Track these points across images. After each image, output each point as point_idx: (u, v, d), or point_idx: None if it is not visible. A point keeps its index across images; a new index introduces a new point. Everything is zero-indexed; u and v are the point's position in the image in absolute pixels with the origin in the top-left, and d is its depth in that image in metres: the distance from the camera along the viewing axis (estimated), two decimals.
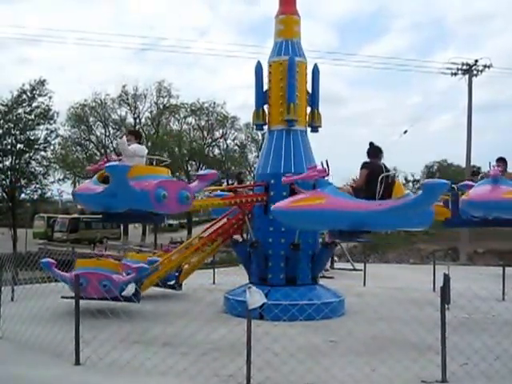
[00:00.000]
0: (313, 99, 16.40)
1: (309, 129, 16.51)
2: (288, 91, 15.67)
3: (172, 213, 13.33)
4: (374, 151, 12.47)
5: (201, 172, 14.17)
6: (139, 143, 13.49)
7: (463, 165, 52.14)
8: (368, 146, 12.55)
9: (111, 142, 76.07)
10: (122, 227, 71.25)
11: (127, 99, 76.01)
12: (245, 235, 17.13)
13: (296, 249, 15.08)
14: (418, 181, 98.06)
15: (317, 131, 16.58)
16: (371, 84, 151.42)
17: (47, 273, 15.71)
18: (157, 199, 11.64)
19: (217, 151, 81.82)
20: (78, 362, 9.88)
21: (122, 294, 12.11)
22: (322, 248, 15.90)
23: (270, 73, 16.30)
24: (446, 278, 10.91)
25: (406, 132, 52.89)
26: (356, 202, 11.57)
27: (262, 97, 16.34)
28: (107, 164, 12.15)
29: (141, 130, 75.16)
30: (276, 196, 14.75)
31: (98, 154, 75.93)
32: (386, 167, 12.15)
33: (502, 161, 14.45)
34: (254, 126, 17.26)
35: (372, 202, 11.54)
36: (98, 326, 12.15)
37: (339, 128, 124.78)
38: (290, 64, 15.70)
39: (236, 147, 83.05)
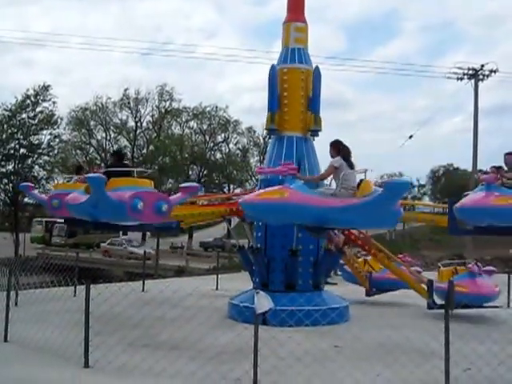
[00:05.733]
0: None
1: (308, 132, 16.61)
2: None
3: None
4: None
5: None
6: None
7: (470, 169, 52.24)
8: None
9: (112, 146, 76.27)
10: (121, 232, 71.23)
11: (129, 103, 76.28)
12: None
13: (294, 255, 15.25)
14: (423, 185, 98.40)
15: (317, 135, 16.72)
16: (378, 88, 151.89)
17: (48, 278, 16.04)
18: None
19: (218, 155, 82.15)
20: (87, 365, 10.14)
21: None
22: (324, 254, 15.91)
23: (286, 79, 16.44)
24: (450, 285, 11.21)
25: (411, 137, 52.84)
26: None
27: (276, 101, 16.36)
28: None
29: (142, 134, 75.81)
30: None
31: (99, 158, 76.21)
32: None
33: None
34: (268, 130, 17.33)
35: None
36: (106, 330, 12.51)
37: (346, 132, 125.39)
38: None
39: (238, 151, 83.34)
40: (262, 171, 15.01)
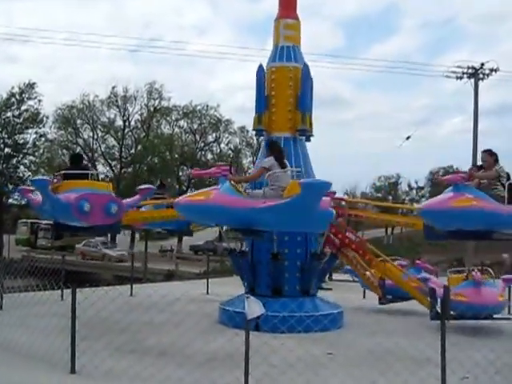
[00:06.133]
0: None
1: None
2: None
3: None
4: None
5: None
6: None
7: None
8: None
9: (99, 146, 76.34)
10: (109, 234, 70.96)
11: (116, 101, 76.30)
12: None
13: (275, 258, 15.27)
14: (422, 188, 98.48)
15: (305, 134, 16.76)
16: (376, 86, 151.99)
17: (34, 281, 16.14)
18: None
19: (210, 156, 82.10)
20: (73, 371, 10.19)
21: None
22: (311, 259, 15.78)
23: (273, 78, 16.54)
24: (446, 290, 11.26)
25: (408, 138, 52.61)
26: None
27: (263, 102, 16.49)
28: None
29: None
30: None
31: (86, 157, 76.07)
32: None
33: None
34: (255, 132, 17.40)
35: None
36: (92, 335, 12.55)
37: (343, 131, 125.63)
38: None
39: (230, 152, 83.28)
40: (197, 173, 15.85)
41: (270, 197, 12.43)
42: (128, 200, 14.97)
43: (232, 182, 13.04)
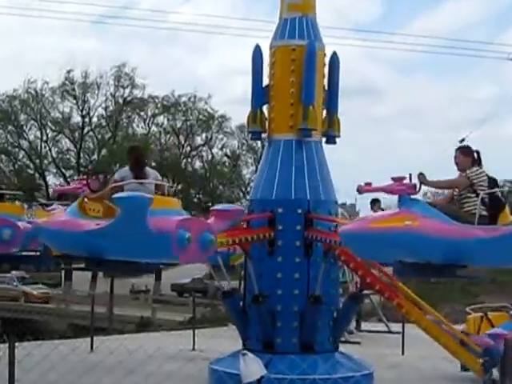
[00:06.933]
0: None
1: (323, 139, 16.57)
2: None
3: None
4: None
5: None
6: None
7: None
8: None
9: (49, 150, 76.28)
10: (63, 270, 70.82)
11: (73, 90, 76.31)
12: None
13: (256, 301, 15.05)
14: None
15: (334, 142, 16.72)
16: (420, 72, 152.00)
17: None
18: None
19: (198, 164, 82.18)
20: None
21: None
22: (313, 304, 15.17)
23: (273, 62, 16.32)
24: (509, 345, 11.27)
25: (462, 141, 52.65)
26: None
27: (261, 94, 16.44)
28: None
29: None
30: (286, 231, 15.07)
31: (32, 165, 76.13)
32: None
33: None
34: (250, 134, 17.37)
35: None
36: None
37: (375, 129, 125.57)
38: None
39: (225, 158, 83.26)
40: (58, 190, 16.48)
41: None
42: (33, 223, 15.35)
43: (86, 200, 13.44)
